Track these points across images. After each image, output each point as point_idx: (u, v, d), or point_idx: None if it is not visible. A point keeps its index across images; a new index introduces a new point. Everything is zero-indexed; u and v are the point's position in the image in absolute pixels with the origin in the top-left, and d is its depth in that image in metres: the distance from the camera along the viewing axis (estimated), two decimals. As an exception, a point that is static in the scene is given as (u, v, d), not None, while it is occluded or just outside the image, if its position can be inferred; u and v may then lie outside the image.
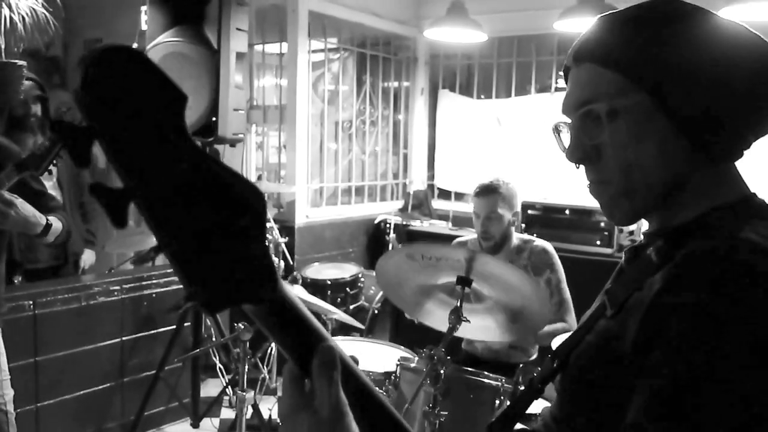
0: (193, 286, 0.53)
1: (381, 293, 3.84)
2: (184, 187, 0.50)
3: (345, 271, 3.95)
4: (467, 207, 5.09)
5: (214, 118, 2.93)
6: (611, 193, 0.81)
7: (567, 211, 3.53)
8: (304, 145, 4.36)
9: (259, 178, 4.10)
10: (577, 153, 0.82)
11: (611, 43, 0.78)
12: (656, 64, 0.74)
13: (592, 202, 3.12)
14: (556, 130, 0.88)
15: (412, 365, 2.07)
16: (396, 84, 5.28)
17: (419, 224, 4.57)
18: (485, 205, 2.51)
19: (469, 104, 5.00)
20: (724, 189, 0.79)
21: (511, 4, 4.53)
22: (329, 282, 3.79)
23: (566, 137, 0.85)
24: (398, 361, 2.12)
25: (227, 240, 0.53)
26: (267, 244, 0.56)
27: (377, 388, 0.66)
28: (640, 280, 0.77)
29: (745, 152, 0.79)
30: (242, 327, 2.15)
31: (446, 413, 1.86)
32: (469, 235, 2.96)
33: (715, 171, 0.79)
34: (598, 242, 3.43)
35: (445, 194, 5.22)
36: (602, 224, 3.43)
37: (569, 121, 0.84)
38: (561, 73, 4.72)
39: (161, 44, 3.02)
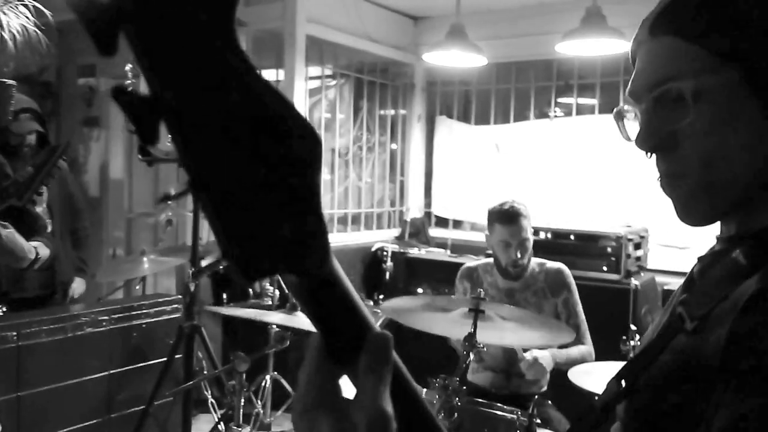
0: (231, 241, 0.43)
1: (380, 321, 3.72)
2: (231, 113, 0.40)
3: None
4: (465, 234, 5.01)
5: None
6: (689, 188, 0.70)
7: (572, 237, 3.44)
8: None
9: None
10: (651, 140, 0.71)
11: (696, 14, 0.67)
12: (750, 38, 0.65)
13: (597, 227, 3.05)
14: (619, 116, 0.77)
15: (423, 396, 1.96)
16: (393, 111, 5.22)
17: (417, 252, 4.47)
18: (516, 232, 2.42)
19: (466, 131, 4.95)
20: None
21: (511, 30, 4.50)
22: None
23: (631, 125, 0.75)
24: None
25: (276, 191, 0.43)
26: (321, 205, 0.47)
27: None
28: (726, 288, 0.66)
29: None
30: (239, 356, 2.01)
31: (460, 448, 1.74)
32: (473, 261, 2.86)
33: None
34: (605, 268, 3.34)
35: (442, 222, 5.14)
36: (609, 249, 3.34)
37: (634, 106, 0.74)
38: (558, 100, 4.66)
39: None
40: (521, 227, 2.42)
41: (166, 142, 3.01)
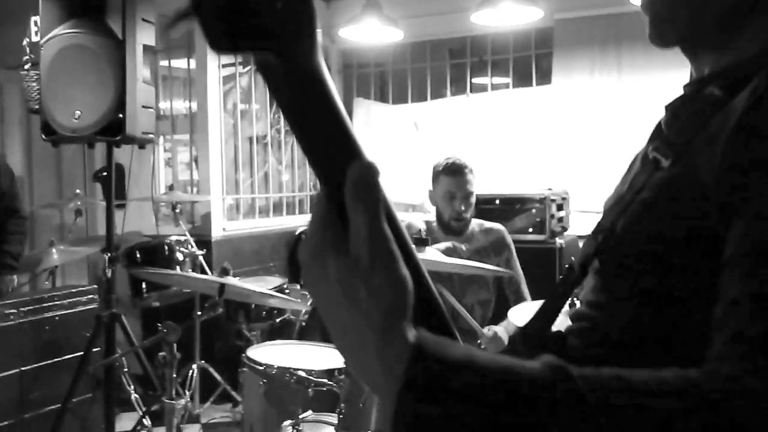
0: None
1: (307, 305, 3.63)
2: None
3: (268, 284, 3.71)
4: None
5: (120, 115, 2.68)
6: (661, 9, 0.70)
7: (497, 201, 3.49)
8: (217, 155, 4.13)
9: (171, 188, 3.82)
10: None
11: None
12: None
13: (520, 191, 3.09)
14: None
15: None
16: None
17: (342, 234, 4.41)
18: (462, 184, 2.45)
19: (384, 111, 4.93)
20: None
21: (425, 9, 4.52)
22: (252, 295, 3.54)
23: None
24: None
25: None
26: None
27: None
28: (703, 121, 0.65)
29: None
30: (169, 325, 1.90)
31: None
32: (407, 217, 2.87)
33: None
34: (531, 230, 3.40)
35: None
36: (533, 211, 3.41)
37: None
38: (474, 81, 4.68)
39: (57, 36, 2.74)
40: (466, 179, 2.44)
41: (72, 119, 2.80)
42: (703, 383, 0.46)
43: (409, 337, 0.46)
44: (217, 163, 4.12)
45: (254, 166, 4.60)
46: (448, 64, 4.74)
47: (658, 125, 0.76)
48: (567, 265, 0.79)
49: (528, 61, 4.47)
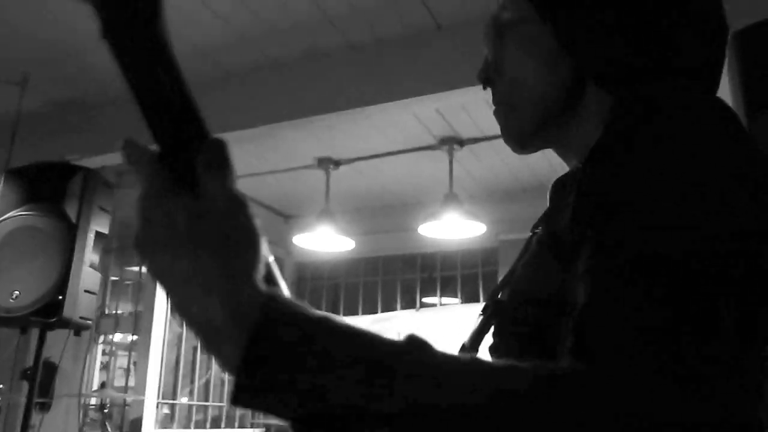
0: None
1: None
2: None
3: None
4: None
5: (60, 297, 2.64)
6: (504, 111, 0.77)
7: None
8: (157, 358, 4.00)
9: (103, 385, 3.62)
10: (482, 73, 0.78)
11: None
12: None
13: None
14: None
15: None
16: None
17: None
18: None
19: (335, 324, 4.94)
20: None
21: (377, 226, 4.76)
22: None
23: None
24: None
25: None
26: None
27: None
28: (565, 190, 0.70)
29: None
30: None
31: None
32: None
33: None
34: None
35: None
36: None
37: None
38: (423, 300, 4.79)
39: (11, 218, 2.80)
40: None
41: (9, 299, 2.74)
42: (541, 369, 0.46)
43: (260, 285, 0.45)
44: (156, 365, 3.97)
45: (196, 372, 4.44)
46: (399, 278, 4.88)
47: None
48: (461, 345, 0.78)
49: (475, 279, 4.64)
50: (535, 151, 0.79)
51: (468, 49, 2.63)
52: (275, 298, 0.45)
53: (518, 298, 0.69)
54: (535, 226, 0.78)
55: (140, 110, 0.46)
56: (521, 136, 0.76)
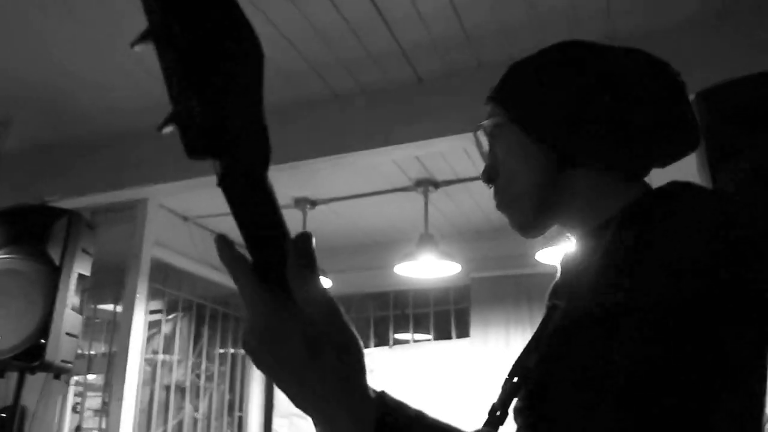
0: (208, 106, 0.48)
1: None
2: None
3: None
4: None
5: (42, 340, 2.64)
6: (505, 204, 0.91)
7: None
8: (131, 400, 3.95)
9: (78, 429, 3.57)
10: (484, 174, 0.93)
11: (500, 84, 0.94)
12: (517, 100, 0.90)
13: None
14: (478, 140, 0.99)
15: None
16: (233, 341, 5.14)
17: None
18: None
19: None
20: (618, 188, 0.85)
21: (352, 263, 4.83)
22: None
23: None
24: None
25: (233, 76, 0.50)
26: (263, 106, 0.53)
27: None
28: (582, 264, 0.81)
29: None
30: None
31: None
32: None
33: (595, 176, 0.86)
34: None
35: (282, 461, 4.83)
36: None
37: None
38: (396, 336, 4.88)
39: (-6, 262, 2.79)
40: None
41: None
42: None
43: (371, 393, 0.54)
44: (130, 408, 3.92)
45: (169, 412, 4.40)
46: (372, 315, 4.94)
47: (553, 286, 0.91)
48: (490, 407, 0.87)
49: (447, 316, 4.73)
50: (545, 232, 0.92)
51: (447, 101, 2.76)
52: (385, 398, 0.54)
53: (549, 366, 0.76)
54: (552, 297, 0.88)
55: (244, 237, 0.54)
56: (526, 225, 0.90)
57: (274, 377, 0.54)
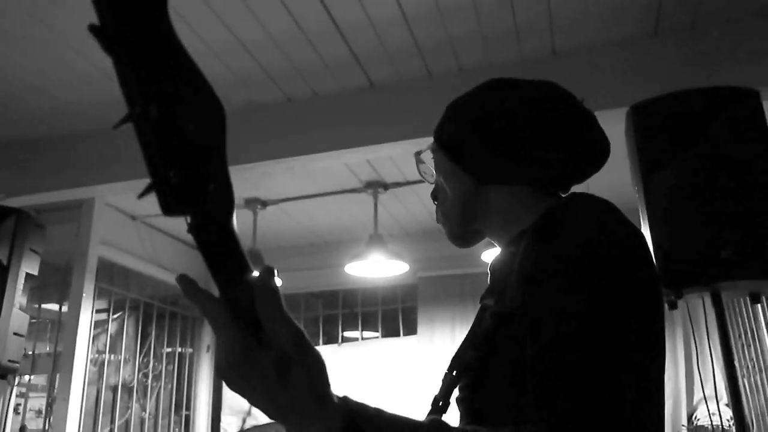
0: (177, 170, 0.54)
1: None
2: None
3: None
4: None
5: (-11, 340, 2.62)
6: (441, 219, 1.10)
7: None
8: (77, 400, 3.91)
9: (22, 429, 3.53)
10: (432, 194, 1.13)
11: (442, 119, 1.11)
12: (447, 133, 1.07)
13: None
14: (419, 160, 1.19)
15: None
16: (181, 341, 5.13)
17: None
18: None
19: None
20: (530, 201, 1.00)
21: (300, 263, 4.89)
22: None
23: (426, 168, 1.18)
24: None
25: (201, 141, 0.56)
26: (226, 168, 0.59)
27: None
28: (507, 268, 0.92)
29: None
30: None
31: None
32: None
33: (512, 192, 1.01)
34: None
35: (231, 459, 4.86)
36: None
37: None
38: (345, 334, 4.97)
39: (-64, 262, 2.75)
40: None
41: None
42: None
43: (336, 400, 0.62)
44: (75, 408, 3.89)
45: (116, 413, 4.37)
46: (321, 314, 5.01)
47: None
48: (432, 400, 0.97)
49: (395, 314, 4.84)
50: (476, 243, 1.10)
51: (398, 107, 2.86)
52: (347, 402, 0.63)
53: (483, 359, 0.88)
54: (483, 298, 0.99)
55: (214, 278, 0.60)
56: (456, 236, 1.08)
57: (248, 398, 0.59)
